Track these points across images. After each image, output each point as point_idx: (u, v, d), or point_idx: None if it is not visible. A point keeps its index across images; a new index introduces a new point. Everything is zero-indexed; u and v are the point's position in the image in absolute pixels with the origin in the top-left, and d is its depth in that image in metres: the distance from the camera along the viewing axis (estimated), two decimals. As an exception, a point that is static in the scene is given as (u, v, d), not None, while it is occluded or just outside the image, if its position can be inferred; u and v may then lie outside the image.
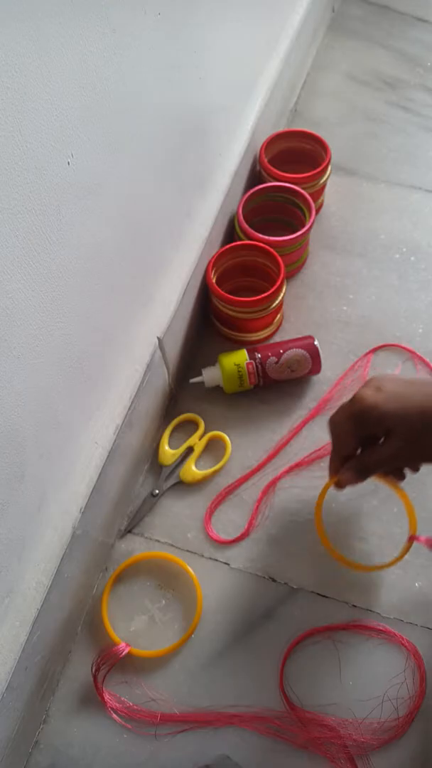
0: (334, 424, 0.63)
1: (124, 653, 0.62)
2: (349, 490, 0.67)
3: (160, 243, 0.66)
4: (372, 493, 0.71)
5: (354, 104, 1.07)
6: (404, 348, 0.81)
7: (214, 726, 0.60)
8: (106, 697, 0.61)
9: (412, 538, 0.63)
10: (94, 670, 0.61)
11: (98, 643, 0.64)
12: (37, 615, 0.53)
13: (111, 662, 0.62)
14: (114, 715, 0.60)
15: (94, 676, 0.61)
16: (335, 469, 0.63)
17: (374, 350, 0.81)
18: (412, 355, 0.80)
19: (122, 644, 0.62)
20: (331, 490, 0.64)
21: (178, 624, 0.65)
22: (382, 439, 0.60)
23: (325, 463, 0.73)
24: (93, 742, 0.60)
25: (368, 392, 0.58)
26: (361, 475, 0.61)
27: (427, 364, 0.79)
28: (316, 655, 0.63)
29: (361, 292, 0.86)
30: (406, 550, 0.64)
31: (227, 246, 0.80)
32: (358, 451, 0.62)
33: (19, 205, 0.40)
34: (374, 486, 0.71)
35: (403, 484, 0.65)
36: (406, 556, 0.63)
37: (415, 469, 0.65)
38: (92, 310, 0.54)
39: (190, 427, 0.77)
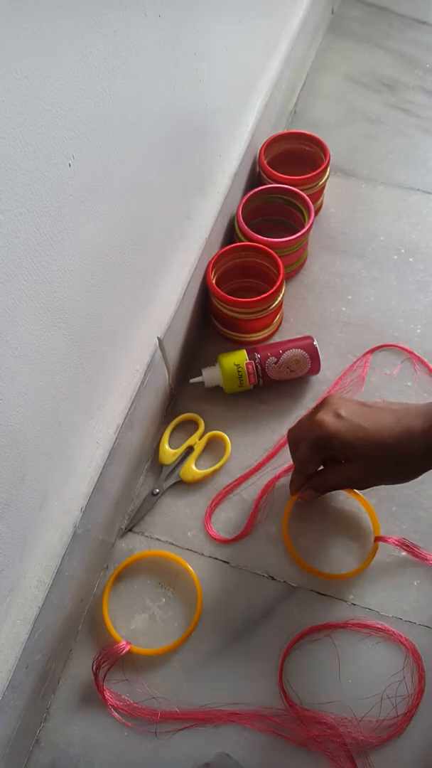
0: (294, 445, 0.65)
1: (124, 651, 0.62)
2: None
3: (161, 244, 0.66)
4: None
5: (353, 106, 1.08)
6: (402, 348, 0.81)
7: (214, 724, 0.61)
8: (107, 695, 0.61)
9: (378, 539, 0.65)
10: (94, 668, 0.62)
11: (99, 642, 0.65)
12: (38, 613, 0.54)
13: (112, 660, 0.62)
14: (114, 713, 0.61)
15: (95, 674, 0.61)
16: (297, 486, 0.67)
17: (373, 350, 0.81)
18: (410, 356, 0.80)
19: (123, 642, 0.63)
20: None
21: (179, 622, 0.66)
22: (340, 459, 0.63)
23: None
24: (93, 740, 0.61)
25: (328, 418, 0.60)
26: (322, 493, 0.66)
27: (425, 365, 0.80)
28: (315, 653, 0.64)
29: (360, 292, 0.87)
30: (374, 552, 0.65)
31: (227, 247, 0.80)
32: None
33: (21, 206, 0.40)
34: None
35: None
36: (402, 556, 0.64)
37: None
38: (93, 311, 0.54)
39: (190, 426, 0.78)
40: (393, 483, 0.61)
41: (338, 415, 0.59)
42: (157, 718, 0.61)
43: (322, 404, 0.62)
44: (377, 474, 0.60)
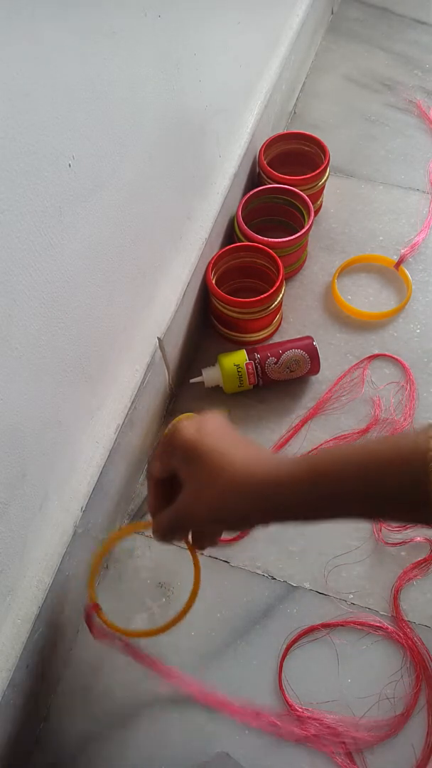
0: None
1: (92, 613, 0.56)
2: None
3: (161, 244, 0.66)
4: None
5: (352, 106, 1.08)
6: (397, 359, 0.81)
7: (211, 707, 0.60)
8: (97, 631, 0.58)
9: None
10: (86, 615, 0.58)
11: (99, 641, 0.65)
12: (38, 613, 0.54)
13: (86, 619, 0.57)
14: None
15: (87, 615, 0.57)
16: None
17: (375, 356, 0.81)
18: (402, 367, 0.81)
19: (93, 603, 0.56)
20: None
21: (178, 622, 0.66)
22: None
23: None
24: (93, 740, 0.61)
25: (189, 430, 0.47)
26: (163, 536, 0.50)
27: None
28: (314, 652, 0.64)
29: (359, 292, 0.87)
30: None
31: (227, 247, 0.80)
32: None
33: (21, 206, 0.40)
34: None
35: None
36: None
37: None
38: (93, 311, 0.54)
39: (189, 426, 0.78)
40: (211, 520, 0.47)
41: (199, 430, 0.47)
42: (155, 667, 0.59)
43: (189, 417, 0.50)
44: (200, 493, 0.46)
